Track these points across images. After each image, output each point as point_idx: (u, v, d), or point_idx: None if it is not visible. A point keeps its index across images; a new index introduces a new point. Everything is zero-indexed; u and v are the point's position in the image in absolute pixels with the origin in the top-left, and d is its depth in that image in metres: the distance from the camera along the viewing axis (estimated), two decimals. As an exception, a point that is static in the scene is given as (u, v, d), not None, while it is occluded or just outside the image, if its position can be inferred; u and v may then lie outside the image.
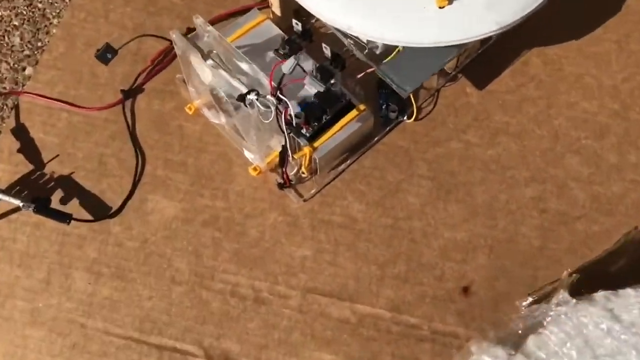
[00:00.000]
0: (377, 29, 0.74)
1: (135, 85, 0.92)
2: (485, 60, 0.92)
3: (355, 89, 0.85)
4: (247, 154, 0.85)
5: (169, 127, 0.89)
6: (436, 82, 0.91)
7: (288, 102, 0.72)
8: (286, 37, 0.86)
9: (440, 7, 0.73)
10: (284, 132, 0.75)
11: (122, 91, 0.91)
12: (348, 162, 0.86)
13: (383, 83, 0.88)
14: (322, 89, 0.72)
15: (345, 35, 0.79)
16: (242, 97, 0.70)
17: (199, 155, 0.87)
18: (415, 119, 0.88)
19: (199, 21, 0.76)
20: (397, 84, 0.77)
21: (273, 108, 0.71)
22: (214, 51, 0.73)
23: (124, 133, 0.88)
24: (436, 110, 0.89)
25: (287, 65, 0.69)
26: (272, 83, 0.72)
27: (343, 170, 0.86)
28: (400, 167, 0.86)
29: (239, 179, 0.85)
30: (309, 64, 0.85)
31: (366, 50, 0.82)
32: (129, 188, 0.84)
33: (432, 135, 0.88)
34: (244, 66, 0.75)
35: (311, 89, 0.78)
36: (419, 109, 0.89)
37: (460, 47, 0.78)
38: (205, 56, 0.72)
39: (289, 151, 0.78)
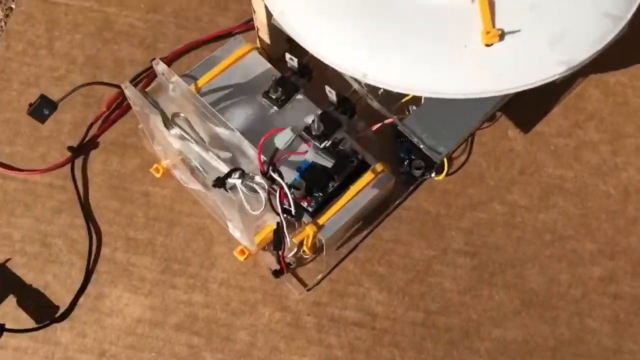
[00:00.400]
0: (402, 76, 0.54)
1: (88, 138, 0.72)
2: (530, 93, 0.72)
3: (366, 134, 0.66)
4: (231, 229, 0.66)
5: (132, 194, 0.69)
6: (470, 125, 0.71)
7: (283, 182, 0.52)
8: (278, 76, 0.67)
9: (487, 45, 0.53)
10: (279, 215, 0.56)
11: (71, 148, 0.71)
12: (362, 234, 0.67)
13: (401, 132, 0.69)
14: (330, 164, 0.53)
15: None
16: (221, 182, 0.51)
17: (170, 231, 0.68)
18: (446, 174, 0.69)
19: (160, 68, 0.57)
20: (428, 145, 0.58)
21: (264, 194, 0.51)
22: (181, 114, 0.53)
23: (73, 204, 0.69)
24: (471, 162, 0.70)
25: (283, 139, 0.50)
26: (262, 157, 0.52)
27: (356, 246, 0.67)
28: (430, 239, 0.67)
29: (222, 262, 0.66)
30: (308, 114, 0.66)
31: (381, 91, 0.63)
32: (81, 279, 0.65)
33: (468, 196, 0.69)
34: (223, 132, 0.56)
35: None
36: (450, 160, 0.70)
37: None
38: (169, 123, 0.53)
39: (286, 233, 0.59)
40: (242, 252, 0.65)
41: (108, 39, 0.78)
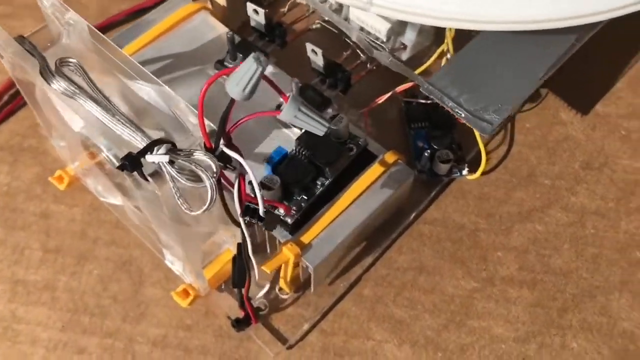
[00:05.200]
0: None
1: (-37, 140, 0.50)
2: (584, 61, 0.53)
3: (368, 110, 0.46)
4: (168, 258, 0.44)
5: (24, 216, 0.47)
6: (508, 105, 0.51)
7: (243, 161, 0.31)
8: (238, 39, 0.47)
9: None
10: (237, 222, 0.34)
11: None
12: (368, 260, 0.45)
13: (415, 113, 0.49)
14: (322, 131, 0.31)
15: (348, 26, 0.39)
16: (133, 161, 0.29)
17: (79, 268, 0.45)
18: (483, 172, 0.48)
19: (47, 2, 0.36)
20: (471, 111, 0.37)
21: (209, 180, 0.30)
22: (72, 60, 0.31)
23: None
24: (515, 155, 0.50)
25: (239, 81, 0.28)
26: (205, 122, 0.31)
27: (359, 278, 0.45)
28: (467, 265, 0.45)
29: (156, 310, 0.44)
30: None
31: (390, 58, 0.43)
32: None
33: (517, 201, 0.48)
34: (145, 90, 0.34)
35: (294, 130, 0.36)
36: (485, 154, 0.49)
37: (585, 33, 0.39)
38: (48, 72, 0.31)
39: (253, 258, 0.37)
40: (186, 293, 0.42)
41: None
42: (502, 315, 0.43)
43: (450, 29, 0.44)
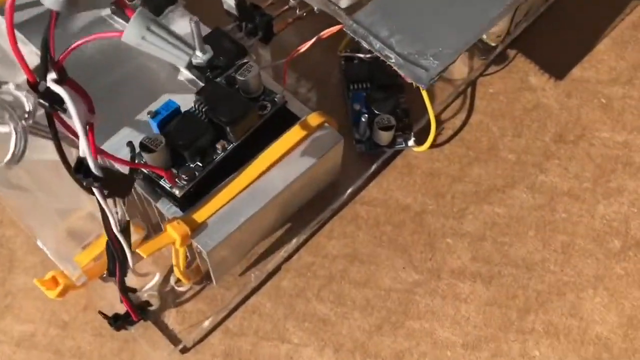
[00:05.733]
0: None
1: None
2: (560, 17, 0.45)
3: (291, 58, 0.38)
4: (41, 241, 0.36)
5: None
6: (468, 66, 0.43)
7: (71, 101, 0.23)
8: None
9: None
10: (90, 192, 0.26)
11: None
12: (289, 246, 0.37)
13: (355, 72, 0.41)
14: (184, 60, 0.23)
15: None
16: None
17: (-63, 250, 0.37)
18: (433, 145, 0.40)
19: None
20: (403, 55, 0.29)
21: (13, 123, 0.21)
22: None
23: None
24: (474, 125, 0.42)
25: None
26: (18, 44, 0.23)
27: (279, 268, 0.37)
28: (410, 254, 0.37)
29: (25, 303, 0.36)
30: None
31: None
32: None
33: (474, 179, 0.40)
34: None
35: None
36: (439, 122, 0.41)
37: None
38: None
39: (121, 238, 0.29)
40: (54, 282, 0.34)
41: None
42: (448, 316, 0.35)
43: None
